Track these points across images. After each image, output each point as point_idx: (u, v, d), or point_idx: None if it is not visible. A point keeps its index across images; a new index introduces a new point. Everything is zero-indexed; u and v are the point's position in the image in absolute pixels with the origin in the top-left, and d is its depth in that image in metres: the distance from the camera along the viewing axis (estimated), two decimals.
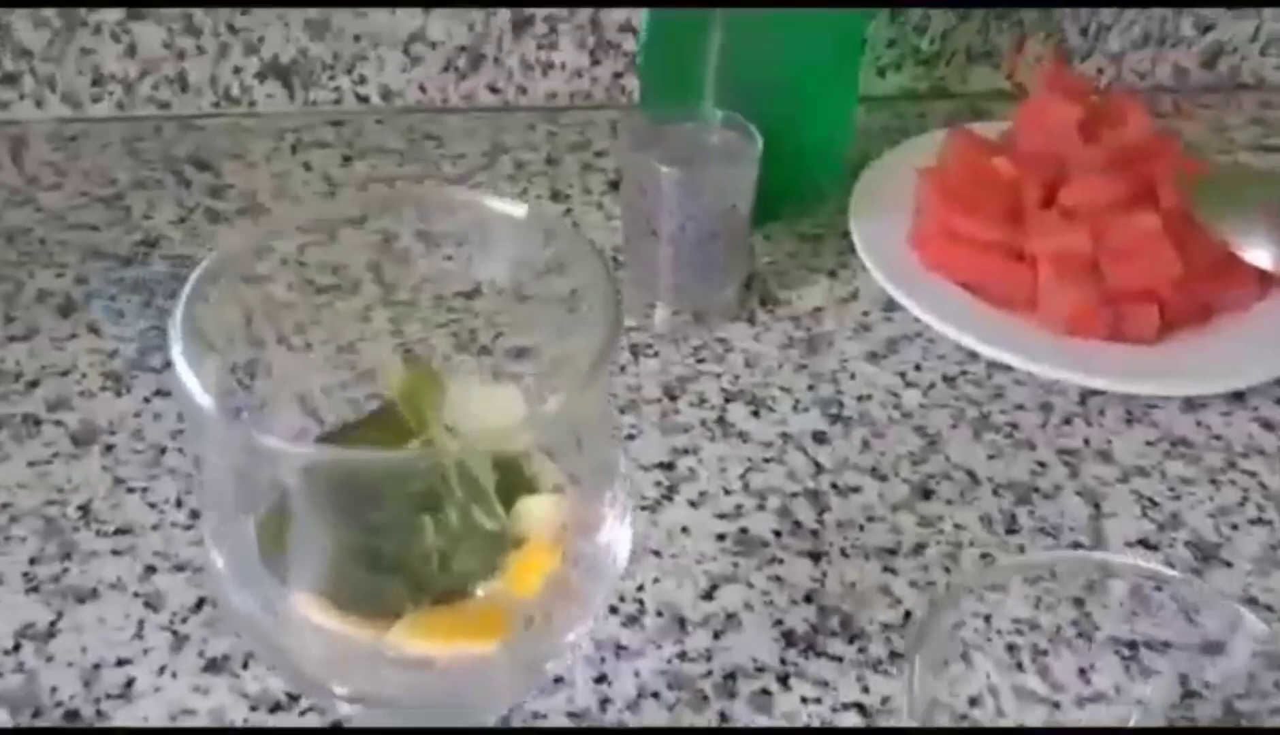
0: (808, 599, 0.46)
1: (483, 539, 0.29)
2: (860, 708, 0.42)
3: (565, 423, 0.29)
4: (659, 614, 0.46)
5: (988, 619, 0.40)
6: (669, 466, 0.52)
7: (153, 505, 0.50)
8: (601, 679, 0.43)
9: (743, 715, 0.42)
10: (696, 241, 0.57)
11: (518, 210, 0.32)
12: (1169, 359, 0.56)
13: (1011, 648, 0.40)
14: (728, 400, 0.56)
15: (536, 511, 0.30)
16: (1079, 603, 0.41)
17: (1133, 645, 0.39)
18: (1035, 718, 0.41)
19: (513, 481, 0.30)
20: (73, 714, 0.42)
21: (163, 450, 0.52)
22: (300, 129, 0.73)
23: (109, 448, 0.52)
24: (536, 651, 0.30)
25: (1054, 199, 0.60)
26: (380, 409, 0.34)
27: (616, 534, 0.31)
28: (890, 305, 0.61)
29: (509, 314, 0.35)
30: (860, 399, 0.56)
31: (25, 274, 0.62)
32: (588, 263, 0.30)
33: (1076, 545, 0.49)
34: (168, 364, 0.28)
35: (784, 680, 0.44)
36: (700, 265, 0.58)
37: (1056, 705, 0.41)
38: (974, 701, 0.39)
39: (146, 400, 0.55)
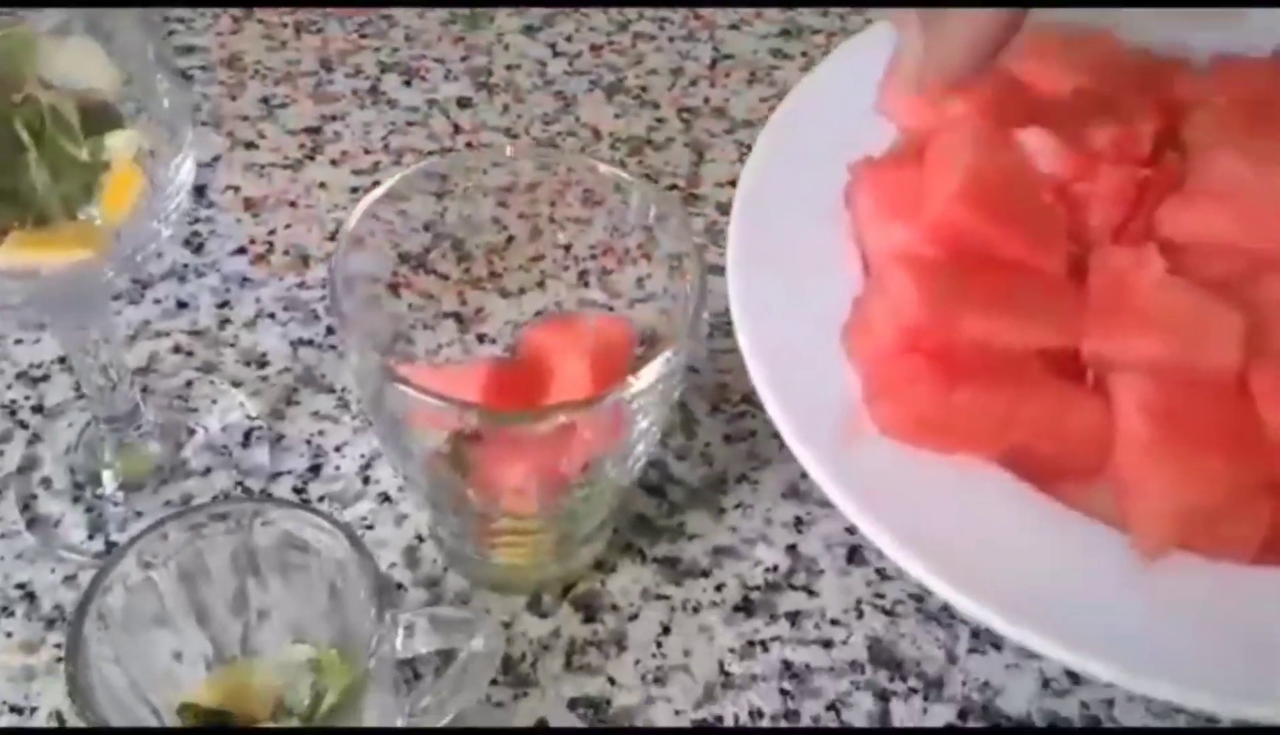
0: (426, 227, 0.51)
1: (76, 167, 0.34)
2: (458, 315, 0.48)
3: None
4: (285, 253, 0.50)
5: None
6: (316, 131, 0.56)
7: None
8: (224, 304, 0.48)
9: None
10: None
11: None
12: None
13: None
14: (383, 71, 0.59)
15: (120, 142, 0.35)
16: None
17: None
18: None
19: (100, 119, 0.34)
20: None
21: None
22: None
23: None
24: (126, 256, 0.36)
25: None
26: None
27: (186, 161, 0.37)
28: None
29: None
30: (509, 68, 0.59)
31: None
32: None
33: (673, 187, 0.54)
34: None
35: (394, 289, 0.48)
36: None
37: None
38: None
39: None
